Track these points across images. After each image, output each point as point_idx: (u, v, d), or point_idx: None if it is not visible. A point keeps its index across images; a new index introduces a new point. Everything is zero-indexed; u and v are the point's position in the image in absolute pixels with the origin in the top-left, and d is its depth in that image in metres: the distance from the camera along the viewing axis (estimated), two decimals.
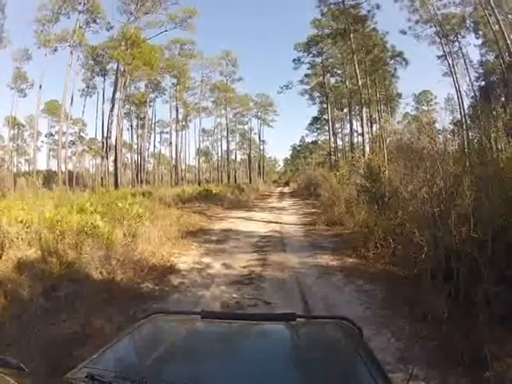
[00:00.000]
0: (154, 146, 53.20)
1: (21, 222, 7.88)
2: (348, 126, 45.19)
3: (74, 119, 45.81)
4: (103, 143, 36.67)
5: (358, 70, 22.07)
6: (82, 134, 50.30)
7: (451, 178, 6.60)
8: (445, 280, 5.58)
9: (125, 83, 34.54)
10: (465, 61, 29.68)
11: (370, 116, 26.04)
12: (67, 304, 5.60)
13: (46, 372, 3.32)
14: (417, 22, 27.19)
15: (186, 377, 1.52)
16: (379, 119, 27.62)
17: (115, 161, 32.96)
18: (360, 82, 22.02)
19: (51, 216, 8.56)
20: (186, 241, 11.37)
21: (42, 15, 32.25)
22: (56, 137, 46.47)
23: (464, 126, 21.96)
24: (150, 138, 50.13)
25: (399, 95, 34.50)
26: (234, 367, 1.64)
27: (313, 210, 19.35)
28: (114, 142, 33.83)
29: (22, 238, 7.44)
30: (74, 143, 50.16)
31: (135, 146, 50.05)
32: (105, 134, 35.84)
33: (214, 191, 28.42)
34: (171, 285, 7.19)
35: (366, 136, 19.68)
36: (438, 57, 31.10)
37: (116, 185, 30.76)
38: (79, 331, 4.74)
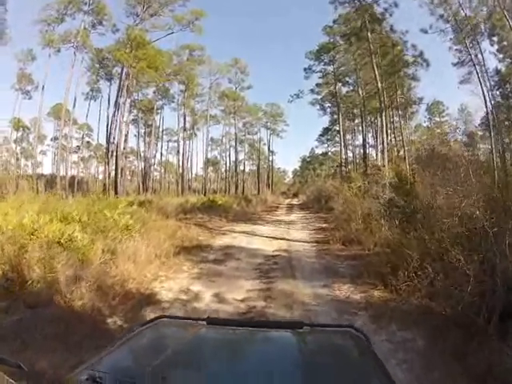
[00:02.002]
0: (161, 153, 51.97)
1: None
2: (359, 137, 45.58)
3: (80, 124, 45.18)
4: (107, 149, 35.45)
5: (376, 71, 20.28)
6: (88, 139, 49.66)
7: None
8: (502, 319, 4.53)
9: (128, 87, 33.19)
10: (481, 67, 27.79)
11: (386, 124, 23.98)
12: (18, 333, 4.61)
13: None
14: (441, 16, 25.40)
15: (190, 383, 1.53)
16: (400, 126, 25.85)
17: (116, 167, 31.47)
18: (379, 85, 20.19)
19: (29, 223, 7.45)
20: (178, 259, 9.84)
21: (46, 15, 31.28)
22: (62, 141, 44.84)
23: (493, 131, 20.45)
24: (157, 145, 49.07)
25: (420, 99, 32.53)
26: (239, 375, 1.58)
27: (325, 225, 17.50)
28: (115, 148, 32.33)
29: None
30: (79, 148, 49.23)
31: (143, 154, 49.21)
32: (109, 140, 34.60)
33: (219, 202, 26.95)
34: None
35: (385, 144, 17.80)
36: (454, 64, 29.01)
37: (116, 192, 29.30)
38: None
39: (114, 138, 33.00)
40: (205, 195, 38.03)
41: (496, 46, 27.73)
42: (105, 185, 34.07)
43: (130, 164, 55.23)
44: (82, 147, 48.93)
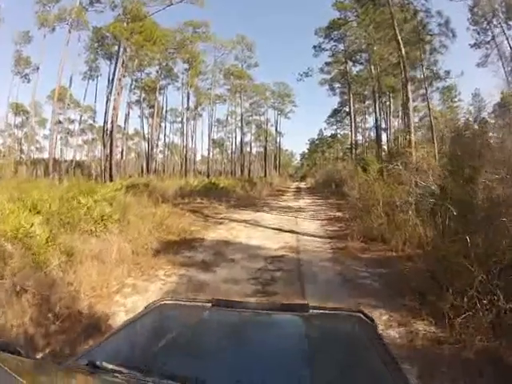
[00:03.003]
0: (165, 134, 51.19)
1: None
2: (369, 119, 46.95)
3: (83, 106, 44.60)
4: (103, 129, 34.11)
5: (399, 36, 17.71)
6: (91, 121, 48.50)
7: None
8: None
9: (124, 63, 31.66)
10: (498, 51, 26.31)
11: (409, 98, 21.05)
12: None
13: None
14: None
15: (192, 368, 1.48)
16: (427, 100, 23.54)
17: (110, 148, 29.59)
18: (403, 52, 17.63)
19: None
20: (157, 260, 7.90)
21: None
22: (65, 124, 45.25)
23: None
24: (160, 126, 48.07)
25: (447, 73, 29.78)
26: (244, 358, 1.58)
27: (338, 214, 15.27)
28: (111, 128, 30.49)
29: None
30: (83, 131, 49.40)
31: (147, 135, 47.93)
32: (106, 120, 33.26)
33: (221, 185, 25.50)
34: None
35: (412, 121, 15.35)
36: (471, 45, 27.69)
37: (111, 175, 27.99)
38: None
39: (112, 118, 31.22)
40: (208, 177, 36.88)
41: None
42: (101, 167, 32.79)
43: (135, 146, 55.23)
44: (80, 129, 48.65)
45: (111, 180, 25.04)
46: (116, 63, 31.51)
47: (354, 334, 1.95)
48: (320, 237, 10.92)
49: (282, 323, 2.04)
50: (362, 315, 2.01)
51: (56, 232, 6.72)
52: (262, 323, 2.08)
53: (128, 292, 6.08)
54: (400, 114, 40.02)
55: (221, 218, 14.18)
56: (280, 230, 11.98)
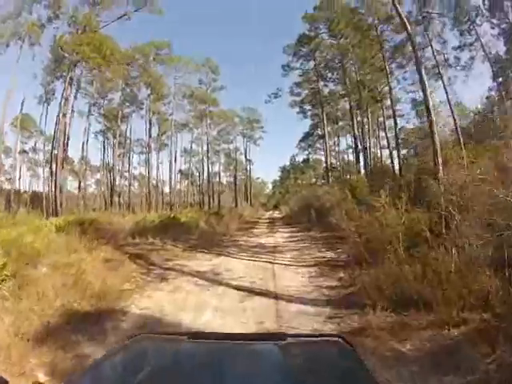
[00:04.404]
0: (129, 165, 47.96)
1: None
2: (342, 141, 46.47)
3: (47, 137, 40.88)
4: (51, 155, 31.73)
5: (398, 7, 14.00)
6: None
7: None
8: None
9: (73, 82, 29.69)
10: (485, 51, 24.43)
11: (423, 77, 16.28)
12: None
13: None
14: None
15: None
16: (445, 90, 20.92)
17: (55, 178, 26.16)
18: (409, 29, 13.08)
19: None
20: (34, 359, 4.56)
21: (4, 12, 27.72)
22: (30, 154, 44.15)
23: None
24: (124, 157, 45.35)
25: (458, 59, 26.27)
26: None
27: (330, 255, 11.33)
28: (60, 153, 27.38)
29: None
30: (47, 161, 45.47)
31: (112, 167, 45.64)
32: (54, 145, 30.48)
33: (182, 219, 22.16)
34: None
35: (432, 114, 11.66)
36: (455, 48, 25.94)
37: (56, 210, 24.60)
38: None
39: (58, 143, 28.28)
40: (171, 209, 35.00)
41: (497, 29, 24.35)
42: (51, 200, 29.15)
43: (103, 178, 52.76)
44: (45, 159, 44.39)
45: (56, 215, 22.34)
46: (65, 83, 28.91)
47: (335, 361, 1.82)
48: (314, 304, 6.72)
49: (259, 353, 1.90)
50: (341, 340, 1.93)
51: None
52: (240, 354, 1.89)
53: None
54: (377, 132, 38.50)
55: (169, 269, 10.25)
56: (249, 291, 7.84)
